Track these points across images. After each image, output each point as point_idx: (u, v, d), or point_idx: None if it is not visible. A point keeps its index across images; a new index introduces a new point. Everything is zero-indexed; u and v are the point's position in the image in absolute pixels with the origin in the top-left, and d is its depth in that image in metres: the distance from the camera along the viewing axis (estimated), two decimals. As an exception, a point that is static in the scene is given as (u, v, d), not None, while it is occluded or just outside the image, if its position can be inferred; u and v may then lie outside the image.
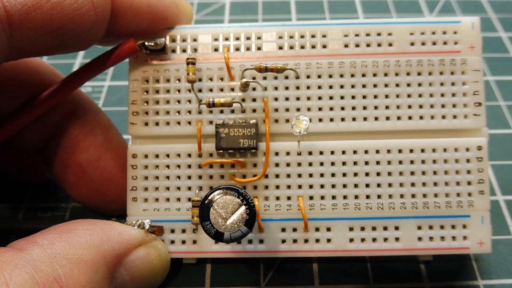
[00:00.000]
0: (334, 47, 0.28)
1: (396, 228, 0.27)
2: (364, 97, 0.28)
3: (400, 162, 0.27)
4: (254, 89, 0.28)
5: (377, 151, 0.27)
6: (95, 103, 0.32)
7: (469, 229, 0.27)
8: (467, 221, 0.27)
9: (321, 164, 0.27)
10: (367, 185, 0.27)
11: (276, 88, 0.28)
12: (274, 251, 0.27)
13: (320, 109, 0.28)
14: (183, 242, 0.28)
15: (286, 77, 0.28)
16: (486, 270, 0.29)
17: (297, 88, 0.28)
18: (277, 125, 0.28)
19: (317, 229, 0.27)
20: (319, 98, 0.28)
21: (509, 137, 0.37)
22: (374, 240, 0.27)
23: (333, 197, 0.27)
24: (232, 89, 0.28)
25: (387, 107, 0.27)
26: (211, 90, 0.28)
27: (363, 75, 0.28)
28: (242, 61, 0.28)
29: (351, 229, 0.27)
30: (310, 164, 0.27)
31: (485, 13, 0.48)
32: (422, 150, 0.27)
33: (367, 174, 0.27)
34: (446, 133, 0.28)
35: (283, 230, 0.27)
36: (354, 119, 0.27)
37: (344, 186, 0.27)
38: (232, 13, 0.49)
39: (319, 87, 0.28)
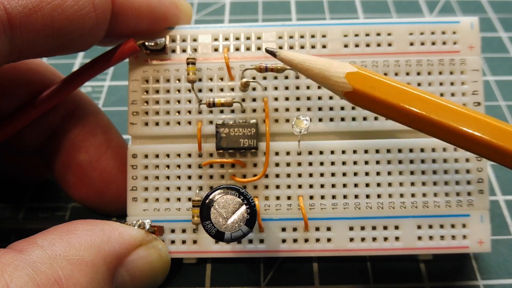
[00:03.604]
0: (333, 47, 0.28)
1: (396, 227, 0.27)
2: (364, 97, 0.28)
3: (400, 162, 0.27)
4: (254, 89, 0.28)
5: (377, 151, 0.27)
6: (95, 103, 0.32)
7: (468, 228, 0.27)
8: (467, 220, 0.27)
9: (321, 163, 0.27)
10: (367, 185, 0.27)
11: (276, 88, 0.28)
12: (275, 251, 0.28)
13: (320, 108, 0.28)
14: (184, 242, 0.28)
15: (286, 77, 0.28)
16: (486, 270, 0.29)
17: (297, 88, 0.28)
18: (277, 125, 0.28)
19: (317, 229, 0.27)
20: (319, 97, 0.28)
21: (509, 136, 0.37)
22: (374, 239, 0.27)
23: (333, 197, 0.27)
24: (232, 89, 0.28)
25: (386, 107, 0.27)
26: (211, 90, 0.28)
27: (363, 75, 0.28)
28: (242, 61, 0.28)
29: (351, 228, 0.27)
30: (310, 164, 0.27)
31: (485, 13, 0.48)
32: (422, 150, 0.27)
33: (367, 174, 0.27)
34: (445, 132, 0.28)
35: (283, 229, 0.27)
36: (353, 118, 0.28)
37: (344, 185, 0.27)
38: (232, 13, 0.49)
39: (319, 87, 0.28)
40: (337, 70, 0.23)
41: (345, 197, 0.27)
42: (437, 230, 0.27)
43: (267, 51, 0.26)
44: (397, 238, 0.27)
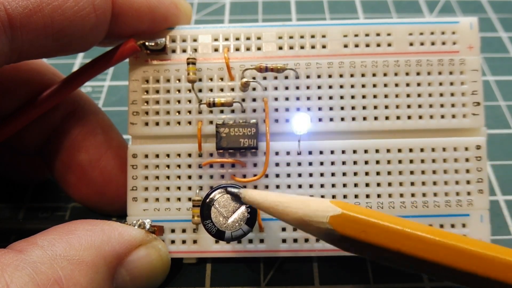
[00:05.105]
0: (333, 47, 0.28)
1: (396, 227, 0.27)
2: (363, 97, 0.28)
3: (400, 162, 0.27)
4: (254, 89, 0.28)
5: (377, 151, 0.27)
6: (95, 103, 0.32)
7: (468, 228, 0.27)
8: (467, 220, 0.27)
9: (321, 163, 0.27)
10: (367, 185, 0.27)
11: (276, 88, 0.28)
12: (275, 251, 0.28)
13: (320, 109, 0.28)
14: (184, 242, 0.28)
15: (286, 77, 0.28)
16: (486, 269, 0.29)
17: (297, 88, 0.28)
18: (277, 125, 0.28)
19: (317, 229, 0.27)
20: (319, 98, 0.28)
21: (509, 137, 0.37)
22: (374, 239, 0.27)
23: (333, 197, 0.27)
24: (232, 89, 0.28)
25: (386, 107, 0.28)
26: (211, 90, 0.28)
27: (363, 75, 0.28)
28: (242, 61, 0.28)
29: (351, 228, 0.27)
30: (310, 164, 0.27)
31: (485, 13, 0.48)
32: (422, 150, 0.27)
33: (366, 174, 0.27)
34: (445, 132, 0.28)
35: (284, 229, 0.28)
36: (353, 118, 0.28)
37: (344, 185, 0.27)
38: (232, 13, 0.49)
39: (319, 87, 0.28)
40: (318, 214, 0.19)
41: (344, 197, 0.27)
42: (437, 230, 0.27)
43: (229, 192, 0.23)
44: (397, 238, 0.27)
